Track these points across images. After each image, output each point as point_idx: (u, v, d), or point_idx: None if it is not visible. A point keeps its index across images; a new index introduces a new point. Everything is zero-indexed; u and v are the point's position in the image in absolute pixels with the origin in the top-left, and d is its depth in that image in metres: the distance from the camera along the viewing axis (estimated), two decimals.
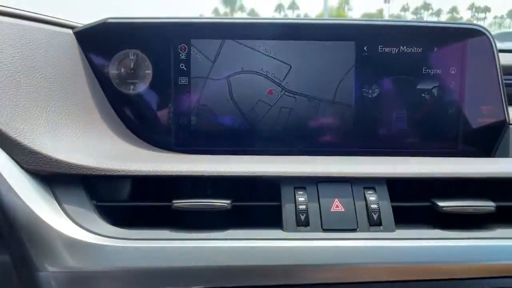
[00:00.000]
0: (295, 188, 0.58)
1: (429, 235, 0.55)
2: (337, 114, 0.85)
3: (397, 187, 0.62)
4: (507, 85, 0.95)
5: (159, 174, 0.58)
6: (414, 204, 0.59)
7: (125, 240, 0.53)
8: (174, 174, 0.58)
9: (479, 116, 0.86)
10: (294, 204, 0.57)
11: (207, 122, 0.84)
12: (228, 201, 0.57)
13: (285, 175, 0.59)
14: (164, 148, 0.83)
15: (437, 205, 0.57)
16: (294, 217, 0.56)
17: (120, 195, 0.61)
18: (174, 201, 0.56)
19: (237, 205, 0.58)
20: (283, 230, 0.55)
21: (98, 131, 0.72)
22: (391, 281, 0.51)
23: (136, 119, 0.83)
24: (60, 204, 0.55)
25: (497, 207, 0.58)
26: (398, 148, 0.86)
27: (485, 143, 0.86)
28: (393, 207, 0.58)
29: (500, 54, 0.88)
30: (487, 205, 0.57)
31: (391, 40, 0.85)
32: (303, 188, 0.58)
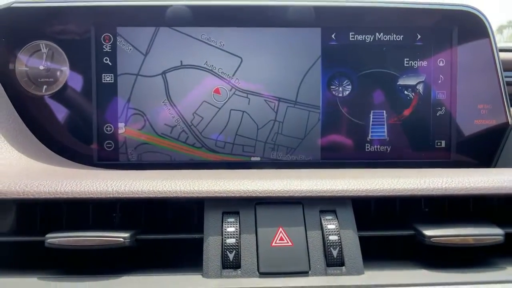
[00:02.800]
0: (223, 213, 0.41)
1: (413, 279, 0.38)
2: (300, 118, 0.69)
3: (366, 210, 0.46)
4: (508, 83, 0.81)
5: (35, 197, 0.41)
6: (391, 233, 0.43)
7: None
8: (57, 196, 0.41)
9: (475, 117, 0.70)
10: (220, 237, 0.40)
11: (138, 129, 0.68)
12: (128, 234, 0.39)
13: (211, 195, 0.42)
14: (84, 163, 0.66)
15: (423, 235, 0.40)
16: (220, 257, 0.39)
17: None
18: (48, 235, 0.39)
19: (142, 238, 0.41)
20: (202, 276, 0.38)
21: None
22: None
23: (48, 127, 0.66)
24: None
25: (507, 234, 0.41)
26: (375, 159, 0.70)
27: (483, 150, 0.70)
28: (360, 238, 0.41)
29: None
30: (494, 233, 0.40)
31: (364, 26, 0.69)
32: (234, 214, 0.41)
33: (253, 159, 0.69)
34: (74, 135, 0.66)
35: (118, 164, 0.67)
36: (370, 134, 0.70)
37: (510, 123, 0.69)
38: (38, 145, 0.64)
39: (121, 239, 0.39)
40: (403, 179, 0.44)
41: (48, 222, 0.46)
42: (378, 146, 0.70)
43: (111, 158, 0.67)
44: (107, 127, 0.68)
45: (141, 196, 0.41)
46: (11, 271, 0.40)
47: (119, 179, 0.43)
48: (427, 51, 0.70)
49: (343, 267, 0.39)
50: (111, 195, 0.40)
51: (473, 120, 0.70)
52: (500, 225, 0.43)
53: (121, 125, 0.68)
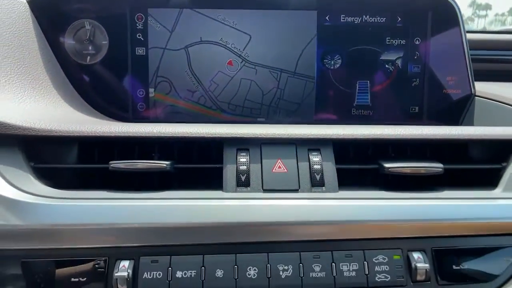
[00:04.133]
0: (237, 149, 0.57)
1: (373, 195, 0.53)
2: (298, 86, 0.83)
3: (344, 150, 0.60)
4: (477, 60, 0.94)
5: (97, 135, 0.56)
6: (360, 166, 0.58)
7: (60, 199, 0.51)
8: (112, 135, 0.56)
9: (444, 88, 0.84)
10: (235, 165, 0.55)
11: (165, 94, 0.83)
12: (168, 163, 0.55)
13: (228, 136, 0.57)
14: (120, 121, 0.81)
15: (383, 167, 0.55)
16: (235, 178, 0.54)
17: (58, 158, 0.59)
18: (111, 162, 0.55)
19: (178, 167, 0.56)
20: (223, 191, 0.54)
21: (48, 98, 0.70)
22: (331, 239, 0.49)
23: (92, 91, 0.81)
24: None
25: (445, 169, 0.56)
26: (360, 120, 0.84)
27: (450, 115, 0.84)
28: (338, 169, 0.56)
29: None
30: (435, 166, 0.55)
31: (353, 10, 0.82)
32: (245, 150, 0.57)
33: (259, 119, 0.84)
34: (113, 98, 0.81)
35: (149, 122, 0.82)
36: (356, 101, 0.85)
37: (472, 93, 0.83)
38: (85, 105, 0.79)
39: (165, 165, 0.54)
40: (373, 129, 0.59)
41: (103, 157, 0.61)
42: (362, 111, 0.85)
43: (143, 117, 0.82)
44: (139, 91, 0.82)
45: (177, 135, 0.56)
46: (80, 189, 0.55)
47: (158, 126, 0.58)
48: (405, 32, 0.83)
49: (323, 187, 0.54)
50: (155, 135, 0.55)
51: (442, 90, 0.84)
52: (444, 163, 0.57)
53: (151, 90, 0.82)
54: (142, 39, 0.81)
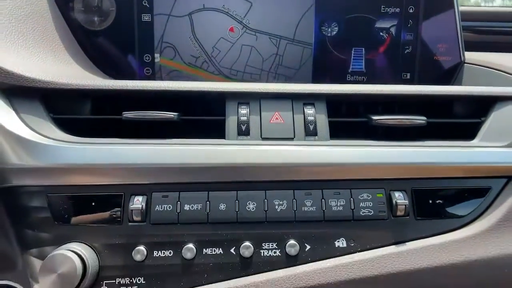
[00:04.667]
0: (239, 103, 0.62)
1: (360, 143, 0.59)
2: (296, 52, 0.88)
3: (337, 108, 0.65)
4: (467, 30, 0.98)
5: (110, 88, 0.61)
6: (350, 119, 0.63)
7: (80, 143, 0.57)
8: (124, 88, 0.61)
9: (435, 55, 0.89)
10: (236, 117, 0.60)
11: (170, 59, 0.87)
12: (175, 114, 0.60)
13: (230, 90, 0.62)
14: None
15: (371, 119, 0.61)
16: (236, 128, 0.60)
17: (75, 110, 0.65)
18: (124, 113, 0.60)
19: (184, 118, 0.62)
20: (225, 139, 0.59)
21: (60, 58, 0.75)
22: (322, 180, 0.55)
23: (100, 56, 0.85)
24: (18, 114, 0.59)
25: (429, 123, 0.61)
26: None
27: (440, 81, 0.89)
28: (330, 122, 0.61)
29: None
30: (419, 118, 0.60)
31: None
32: (246, 103, 0.62)
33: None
34: (120, 63, 0.86)
35: None
36: (351, 67, 0.89)
37: (462, 60, 0.87)
38: (94, 68, 0.84)
39: (172, 115, 0.60)
40: (363, 87, 0.64)
41: (115, 111, 0.66)
42: (357, 77, 0.89)
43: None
44: (146, 56, 0.87)
45: (184, 89, 0.61)
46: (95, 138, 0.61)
47: (166, 82, 0.63)
48: (400, 0, 0.87)
49: (316, 136, 0.60)
50: (163, 88, 0.60)
51: (433, 57, 0.88)
52: (428, 117, 0.62)
53: (156, 55, 0.87)
54: (148, 5, 0.85)
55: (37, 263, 0.54)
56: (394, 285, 0.51)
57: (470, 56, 0.89)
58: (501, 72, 0.76)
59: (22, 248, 0.56)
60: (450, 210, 0.54)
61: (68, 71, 0.73)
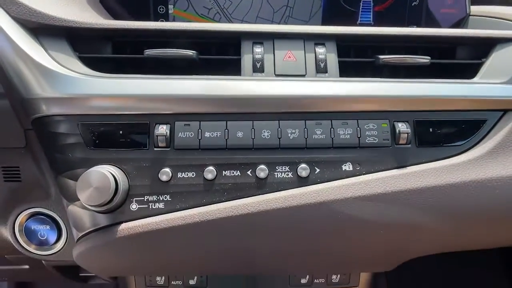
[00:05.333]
0: (253, 42, 0.66)
1: (368, 80, 0.63)
2: (306, 4, 0.90)
3: (346, 48, 0.69)
4: None
5: (133, 27, 0.65)
6: (359, 59, 0.67)
7: (106, 77, 0.61)
8: (146, 27, 0.65)
9: (442, 7, 0.91)
10: (251, 55, 0.64)
11: (183, 10, 0.90)
12: (194, 52, 0.64)
13: (246, 30, 0.66)
14: None
15: (378, 58, 0.64)
16: (251, 65, 0.64)
17: (98, 51, 0.69)
18: (145, 51, 0.64)
19: (202, 57, 0.66)
20: (241, 75, 0.63)
21: (81, 7, 0.78)
22: (331, 111, 0.59)
23: (115, 6, 0.88)
24: (46, 51, 0.63)
25: (432, 63, 0.65)
26: None
27: None
28: (340, 63, 0.65)
29: None
30: (422, 57, 0.64)
31: None
32: (260, 43, 0.66)
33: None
34: (134, 13, 0.89)
35: None
36: (359, 19, 0.92)
37: (467, 12, 0.90)
38: (110, 17, 0.88)
39: (191, 53, 0.64)
40: (371, 29, 0.67)
41: (135, 50, 0.69)
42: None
43: None
44: (160, 8, 0.90)
45: (203, 29, 0.65)
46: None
47: (185, 23, 0.66)
48: None
49: (326, 73, 0.64)
50: (183, 28, 0.64)
51: (439, 9, 0.91)
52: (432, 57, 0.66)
53: (170, 6, 0.90)
54: None
55: (70, 186, 0.60)
56: (396, 202, 0.56)
57: (476, 9, 0.91)
58: (503, 20, 0.78)
59: (56, 174, 0.61)
60: (449, 139, 0.59)
61: (90, 15, 0.77)
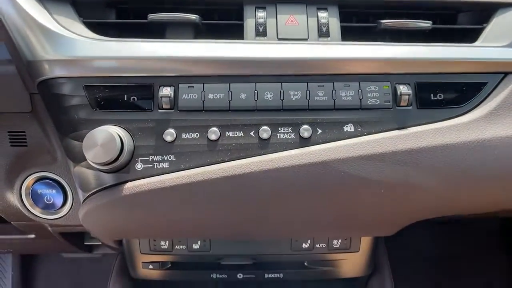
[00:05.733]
0: (256, 7, 0.66)
1: (371, 43, 0.63)
2: None
3: (348, 14, 0.69)
4: None
5: None
6: (361, 24, 0.67)
7: (111, 41, 0.61)
8: None
9: None
10: (254, 19, 0.65)
11: None
12: (197, 16, 0.64)
13: None
14: None
15: (380, 23, 0.65)
16: (254, 29, 0.64)
17: (103, 16, 0.69)
18: (149, 15, 0.64)
19: (205, 22, 0.66)
20: (243, 39, 0.64)
21: None
22: (333, 74, 0.60)
23: None
24: (51, 15, 0.63)
25: (433, 28, 0.65)
26: None
27: None
28: (342, 27, 0.65)
29: None
30: (424, 22, 0.64)
31: None
32: (263, 8, 0.66)
33: None
34: None
35: None
36: None
37: None
38: None
39: (194, 17, 0.64)
40: None
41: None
42: None
43: None
44: None
45: None
46: None
47: None
48: None
49: (328, 37, 0.64)
50: None
51: None
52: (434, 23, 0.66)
53: None
54: None
55: (76, 147, 0.61)
56: (396, 162, 0.57)
57: None
58: None
59: (62, 136, 0.62)
60: (449, 101, 0.60)
61: None
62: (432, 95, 0.60)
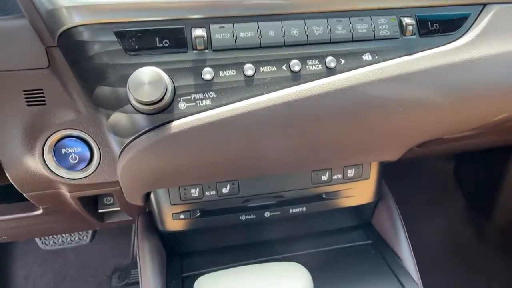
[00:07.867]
0: None
1: None
2: None
3: None
4: None
5: None
6: None
7: None
8: None
9: None
10: None
11: None
12: None
13: None
14: None
15: None
16: None
17: None
18: None
19: None
20: None
21: None
22: (349, 10, 0.67)
23: None
24: None
25: None
26: None
27: None
28: None
29: None
30: None
31: None
32: None
33: None
34: None
35: None
36: None
37: None
38: None
39: None
40: None
41: None
42: None
43: None
44: None
45: None
46: None
47: None
48: None
49: None
50: None
51: None
52: None
53: None
54: None
55: (113, 93, 0.61)
56: (408, 82, 0.66)
57: None
58: None
59: (94, 85, 0.62)
60: (445, 29, 0.70)
61: None
62: (429, 24, 0.70)
